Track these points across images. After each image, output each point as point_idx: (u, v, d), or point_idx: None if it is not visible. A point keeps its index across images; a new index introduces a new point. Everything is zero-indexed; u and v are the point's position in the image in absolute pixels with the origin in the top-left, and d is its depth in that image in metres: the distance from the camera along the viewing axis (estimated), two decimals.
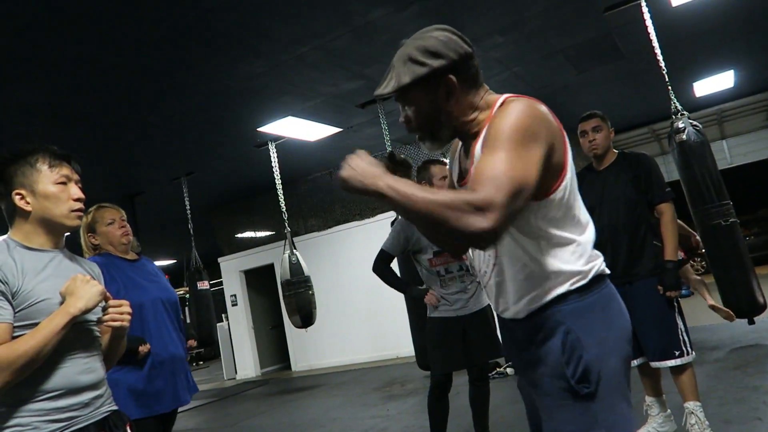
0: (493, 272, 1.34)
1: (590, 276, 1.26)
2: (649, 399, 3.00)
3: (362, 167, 1.14)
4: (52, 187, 1.53)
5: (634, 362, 2.96)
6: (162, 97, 5.04)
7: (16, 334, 1.39)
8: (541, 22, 4.88)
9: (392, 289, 3.39)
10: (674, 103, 4.03)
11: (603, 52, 5.85)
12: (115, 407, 1.60)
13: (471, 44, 1.29)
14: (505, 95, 1.27)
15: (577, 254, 1.26)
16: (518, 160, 1.10)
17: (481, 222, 1.03)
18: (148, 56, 4.24)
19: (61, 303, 1.45)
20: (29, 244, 1.52)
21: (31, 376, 1.39)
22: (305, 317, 6.42)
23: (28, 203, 1.52)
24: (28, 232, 1.53)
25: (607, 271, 1.31)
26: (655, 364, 2.82)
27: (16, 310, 1.41)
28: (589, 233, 1.30)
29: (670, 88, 4.21)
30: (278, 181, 6.95)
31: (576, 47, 5.57)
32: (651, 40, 4.59)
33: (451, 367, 3.12)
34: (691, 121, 3.79)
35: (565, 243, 1.26)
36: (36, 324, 1.41)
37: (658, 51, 4.58)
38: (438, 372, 3.12)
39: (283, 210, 6.88)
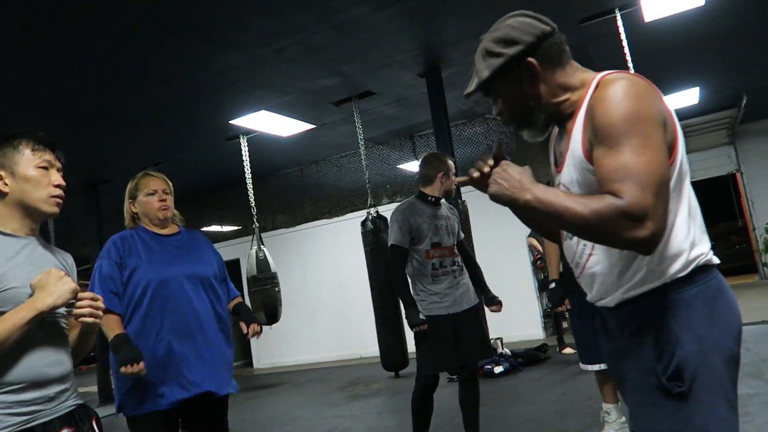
0: (587, 263, 1.26)
1: (692, 266, 1.15)
2: (606, 406, 3.07)
3: (510, 180, 1.13)
4: (32, 170, 1.48)
5: (595, 367, 3.03)
6: (134, 84, 4.92)
7: None
8: None
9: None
10: None
11: (577, 60, 5.95)
12: (80, 401, 1.55)
13: (551, 23, 1.25)
14: (602, 73, 1.20)
15: (677, 243, 1.14)
16: (649, 150, 1.05)
17: (641, 232, 1.01)
18: (122, 42, 4.13)
19: (31, 294, 1.40)
20: (3, 229, 1.46)
21: None
22: (270, 314, 6.36)
23: (6, 185, 1.47)
24: (2, 216, 1.48)
25: (716, 261, 1.19)
26: None
27: None
28: (696, 219, 1.18)
29: None
30: (248, 176, 6.87)
31: None
32: (624, 53, 4.72)
33: (443, 367, 3.05)
34: None
35: (667, 231, 1.13)
36: (2, 312, 1.35)
37: (630, 64, 4.71)
38: (428, 371, 3.01)
39: (252, 205, 6.81)
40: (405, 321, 3.13)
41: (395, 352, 5.96)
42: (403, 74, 5.63)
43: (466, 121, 7.66)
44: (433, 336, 2.97)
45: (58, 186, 1.52)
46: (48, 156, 1.53)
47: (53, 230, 7.75)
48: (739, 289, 9.96)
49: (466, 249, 3.24)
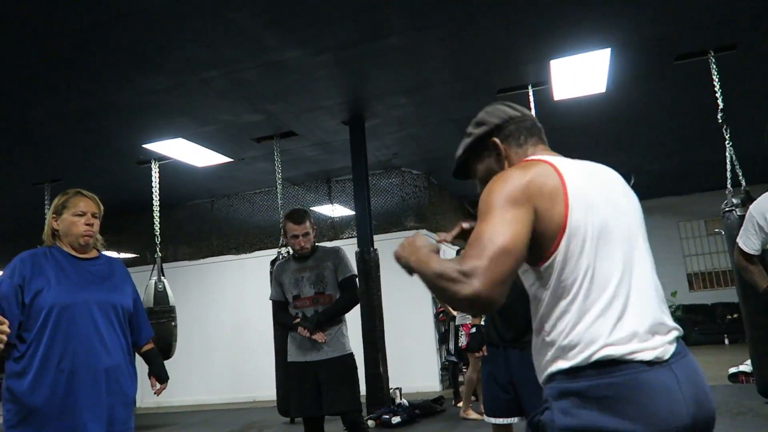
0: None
1: (579, 360, 1.10)
2: None
3: (408, 244, 1.22)
4: None
5: (498, 421, 3.10)
6: (37, 93, 4.62)
7: None
8: (443, 90, 5.23)
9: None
10: None
11: None
12: None
13: (522, 110, 1.38)
14: (531, 157, 1.29)
15: (564, 334, 1.14)
16: (500, 223, 1.10)
17: (466, 288, 1.04)
18: (37, 50, 3.92)
19: None
20: None
21: None
22: (163, 349, 6.01)
23: None
24: None
25: (639, 357, 1.09)
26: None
27: None
28: (596, 309, 1.12)
29: None
30: (156, 203, 6.59)
31: (468, 119, 5.97)
32: None
33: (303, 412, 3.18)
34: None
35: (561, 315, 1.15)
36: None
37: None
38: (292, 415, 3.19)
39: (157, 234, 6.51)
40: None
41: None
42: (327, 119, 5.73)
43: (383, 172, 7.86)
44: (293, 381, 3.21)
45: None
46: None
47: None
48: None
49: (344, 289, 3.30)
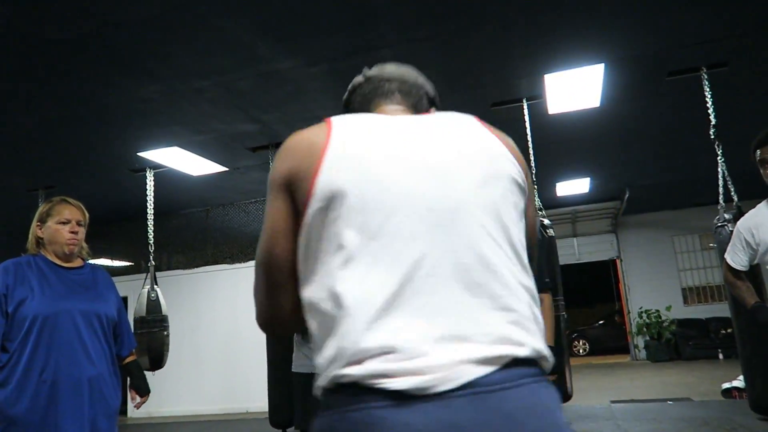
0: None
1: (324, 378, 0.78)
2: None
3: None
4: None
5: None
6: (35, 101, 4.63)
7: None
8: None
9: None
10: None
11: None
12: None
13: (367, 73, 1.23)
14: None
15: (321, 336, 0.81)
16: (265, 221, 0.93)
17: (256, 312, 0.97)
18: (32, 57, 3.92)
19: None
20: None
21: None
22: (155, 359, 5.97)
23: None
24: None
25: (384, 385, 0.71)
26: None
27: None
28: (336, 331, 0.77)
29: (536, 186, 4.70)
30: (150, 211, 6.58)
31: None
32: (527, 139, 5.13)
33: (308, 424, 3.10)
34: (542, 220, 4.18)
35: (313, 315, 0.84)
36: None
37: (530, 150, 5.12)
38: (297, 428, 3.13)
39: (151, 242, 6.48)
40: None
41: (284, 408, 5.77)
42: None
43: None
44: (297, 392, 3.20)
45: None
46: None
47: None
48: (612, 368, 10.66)
49: None
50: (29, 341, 2.02)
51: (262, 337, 5.68)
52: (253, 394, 7.80)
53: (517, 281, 0.83)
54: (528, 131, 5.14)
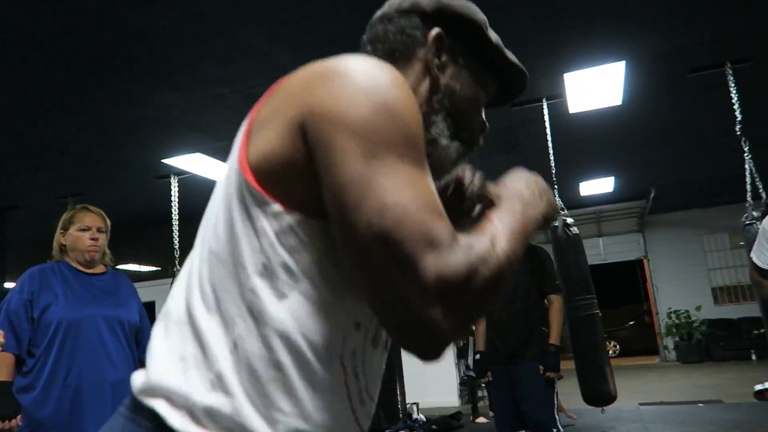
0: None
1: None
2: None
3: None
4: None
5: None
6: (62, 111, 4.76)
7: None
8: None
9: None
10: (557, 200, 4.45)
11: (504, 142, 6.34)
12: None
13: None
14: None
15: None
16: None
17: None
18: (59, 67, 4.04)
19: None
20: None
21: None
22: None
23: None
24: None
25: None
26: None
27: None
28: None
29: (556, 186, 4.66)
30: (175, 217, 6.68)
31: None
32: (547, 140, 5.08)
33: None
34: (565, 219, 4.14)
35: None
36: None
37: (551, 149, 5.07)
38: None
39: (176, 247, 6.59)
40: None
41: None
42: None
43: None
44: None
45: None
46: None
47: None
48: (641, 370, 10.48)
49: None
50: (54, 347, 2.08)
51: None
52: None
53: None
54: (548, 131, 5.09)
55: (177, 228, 6.68)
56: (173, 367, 0.65)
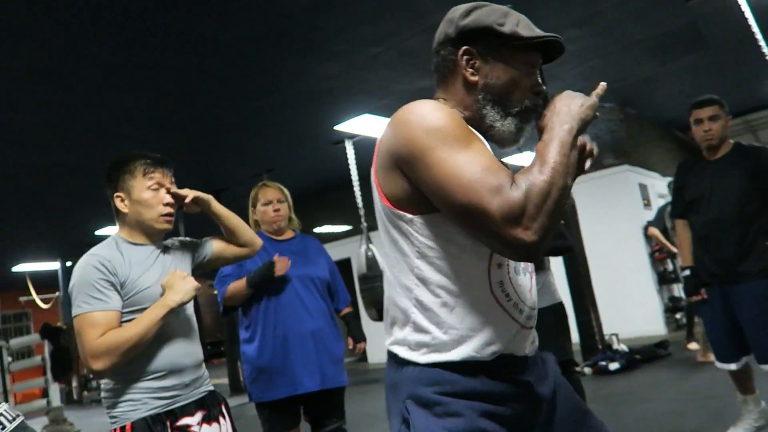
0: None
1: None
2: (743, 396, 2.88)
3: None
4: (145, 193, 1.67)
5: (731, 366, 2.80)
6: (241, 98, 5.32)
7: (124, 319, 1.57)
8: (619, 13, 4.75)
9: None
10: None
11: (686, 42, 5.59)
12: (211, 388, 1.76)
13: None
14: None
15: None
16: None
17: None
18: (227, 61, 4.51)
19: (162, 293, 1.62)
20: (133, 240, 1.70)
21: (140, 358, 1.56)
22: (381, 311, 6.53)
23: (125, 206, 1.68)
24: (130, 230, 1.71)
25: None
26: (765, 368, 2.64)
27: (125, 298, 1.58)
28: None
29: None
30: (355, 178, 7.11)
31: (657, 38, 5.37)
32: (750, 27, 4.34)
33: None
34: None
35: None
36: (142, 309, 1.58)
37: (759, 37, 4.31)
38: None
39: (360, 206, 7.02)
40: None
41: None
42: None
43: None
44: None
45: (167, 204, 1.70)
46: (158, 176, 1.70)
47: (184, 232, 8.53)
48: None
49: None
50: (261, 305, 2.44)
51: None
52: None
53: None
54: (750, 18, 4.35)
55: (359, 188, 7.12)
56: (393, 327, 1.12)
